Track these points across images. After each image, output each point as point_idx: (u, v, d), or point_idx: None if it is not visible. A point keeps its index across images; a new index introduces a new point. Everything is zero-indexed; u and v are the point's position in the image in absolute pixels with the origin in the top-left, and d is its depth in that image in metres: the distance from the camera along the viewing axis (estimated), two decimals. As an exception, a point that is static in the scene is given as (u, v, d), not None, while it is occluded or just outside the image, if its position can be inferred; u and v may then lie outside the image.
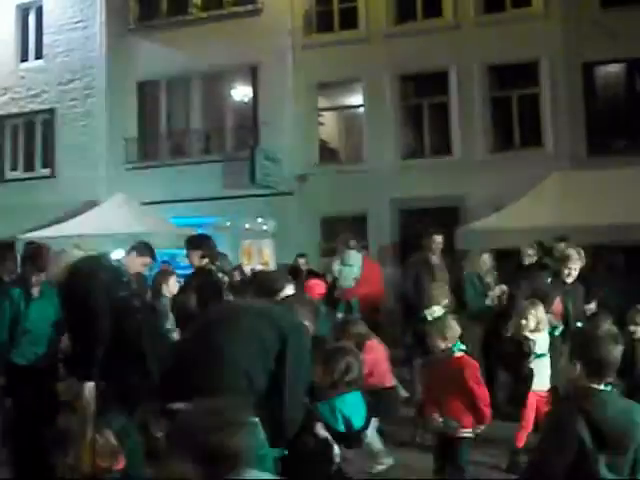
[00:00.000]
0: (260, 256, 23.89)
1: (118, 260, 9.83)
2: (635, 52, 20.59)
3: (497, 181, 20.36)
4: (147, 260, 9.65)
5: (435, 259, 13.79)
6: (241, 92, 25.31)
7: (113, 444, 6.94)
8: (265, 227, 24.69)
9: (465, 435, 7.96)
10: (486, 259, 13.66)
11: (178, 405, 5.21)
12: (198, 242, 10.80)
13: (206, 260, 10.37)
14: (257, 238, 24.68)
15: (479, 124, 22.00)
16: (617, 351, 4.87)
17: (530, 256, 13.25)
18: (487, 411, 7.93)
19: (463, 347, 8.26)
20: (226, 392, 5.19)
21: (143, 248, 9.66)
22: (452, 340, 8.22)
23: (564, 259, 11.01)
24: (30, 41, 28.15)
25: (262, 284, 7.49)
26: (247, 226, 24.86)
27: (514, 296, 12.20)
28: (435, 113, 22.99)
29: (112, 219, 20.51)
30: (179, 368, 5.93)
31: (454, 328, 8.35)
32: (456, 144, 22.28)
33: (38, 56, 27.80)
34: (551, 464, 4.66)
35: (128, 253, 9.69)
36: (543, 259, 13.07)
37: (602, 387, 4.79)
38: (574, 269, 10.82)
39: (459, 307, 12.47)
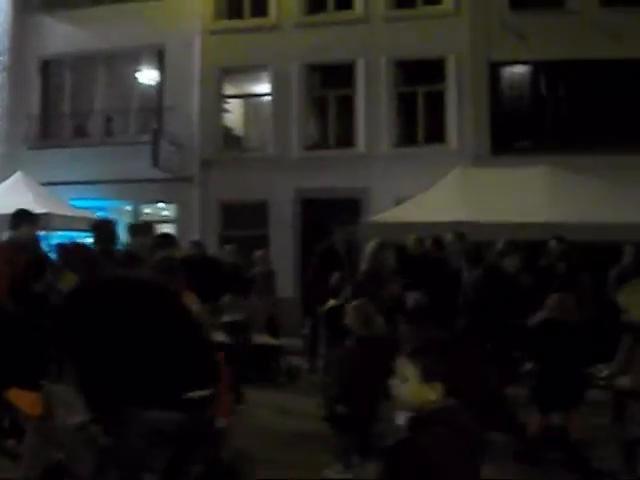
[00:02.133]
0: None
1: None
2: (541, 54, 20.93)
3: (400, 175, 20.52)
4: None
5: (340, 249, 13.76)
6: (147, 75, 24.97)
7: None
8: (166, 212, 24.44)
9: None
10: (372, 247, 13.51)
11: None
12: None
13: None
14: (158, 223, 24.38)
15: (384, 118, 22.08)
16: None
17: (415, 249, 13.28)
18: None
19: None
20: None
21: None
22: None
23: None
24: None
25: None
26: (148, 211, 24.59)
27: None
28: (341, 105, 22.99)
29: (10, 199, 20.05)
30: None
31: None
32: (361, 137, 22.30)
33: (-60, 31, 27.03)
34: None
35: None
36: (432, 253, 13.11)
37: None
38: None
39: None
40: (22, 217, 10.61)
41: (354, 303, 8.97)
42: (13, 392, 7.46)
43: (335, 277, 12.67)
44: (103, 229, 10.88)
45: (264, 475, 7.64)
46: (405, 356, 4.07)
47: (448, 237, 13.14)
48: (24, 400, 7.36)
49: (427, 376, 3.97)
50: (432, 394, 3.94)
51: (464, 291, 11.24)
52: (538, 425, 8.39)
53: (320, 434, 8.88)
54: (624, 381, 7.54)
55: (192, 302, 8.32)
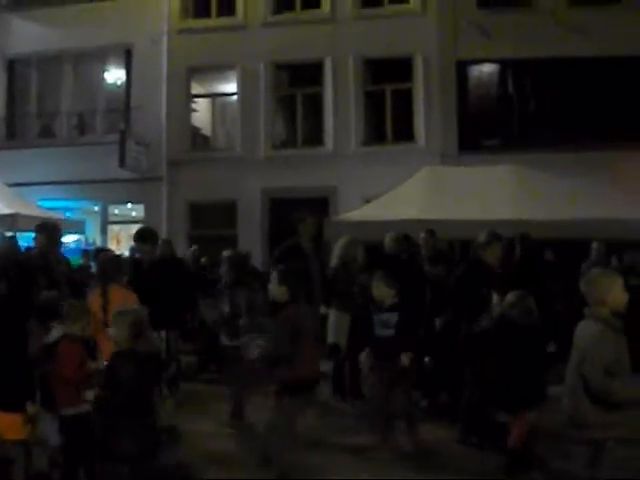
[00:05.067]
0: (129, 242, 23.50)
1: None
2: (508, 52, 20.99)
3: (368, 174, 20.59)
4: None
5: (307, 246, 13.63)
6: (114, 74, 24.87)
7: None
8: (134, 212, 24.36)
9: None
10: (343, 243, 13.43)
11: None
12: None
13: None
14: (126, 223, 24.29)
15: (352, 117, 22.11)
16: None
17: (391, 247, 13.24)
18: None
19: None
20: None
21: None
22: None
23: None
24: None
25: None
26: (116, 211, 24.49)
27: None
28: (309, 104, 23.02)
29: (-23, 200, 19.90)
30: None
31: None
32: (329, 136, 22.34)
33: None
34: None
35: None
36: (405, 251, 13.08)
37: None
38: None
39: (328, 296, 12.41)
40: None
41: None
42: None
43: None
44: (47, 231, 10.93)
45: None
46: None
47: (421, 235, 13.12)
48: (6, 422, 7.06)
49: None
50: None
51: (447, 287, 11.18)
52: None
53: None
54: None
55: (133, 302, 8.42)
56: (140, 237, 11.69)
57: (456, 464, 8.78)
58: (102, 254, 11.25)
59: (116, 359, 6.96)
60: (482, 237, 10.31)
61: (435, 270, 12.40)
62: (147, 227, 11.88)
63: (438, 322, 11.52)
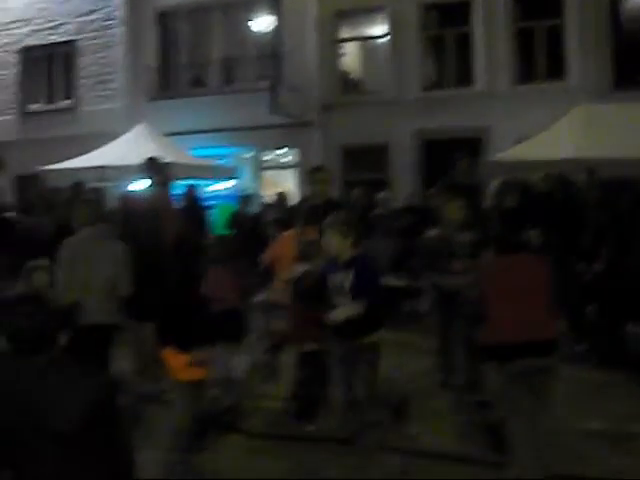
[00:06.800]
0: (283, 187, 23.79)
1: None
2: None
3: (520, 113, 20.29)
4: None
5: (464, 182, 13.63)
6: (263, 22, 25.08)
7: None
8: (286, 158, 24.63)
9: None
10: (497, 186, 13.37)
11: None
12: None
13: None
14: (279, 169, 24.62)
15: (502, 55, 21.77)
16: None
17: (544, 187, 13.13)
18: None
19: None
20: None
21: None
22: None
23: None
24: (49, -28, 27.89)
25: None
26: (268, 157, 24.82)
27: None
28: (459, 44, 22.68)
29: (134, 150, 20.39)
30: None
31: None
32: (479, 75, 22.08)
33: (58, -13, 27.57)
34: None
35: None
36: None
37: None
38: None
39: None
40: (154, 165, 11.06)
41: None
42: (168, 352, 7.60)
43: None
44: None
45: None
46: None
47: (580, 175, 12.95)
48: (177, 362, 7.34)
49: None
50: None
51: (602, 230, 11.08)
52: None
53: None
54: None
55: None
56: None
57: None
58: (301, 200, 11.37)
59: None
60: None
61: (598, 213, 12.18)
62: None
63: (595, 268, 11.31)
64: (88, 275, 8.35)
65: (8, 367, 3.90)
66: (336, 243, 7.38)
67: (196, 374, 6.93)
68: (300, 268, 8.26)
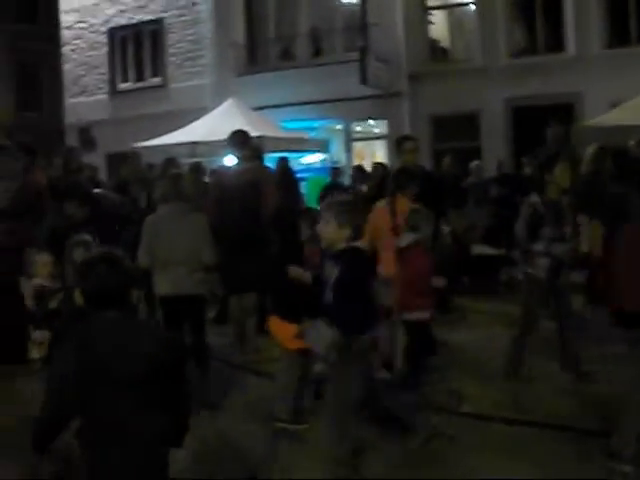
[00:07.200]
0: (373, 158, 23.76)
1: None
2: None
3: (613, 77, 19.87)
4: None
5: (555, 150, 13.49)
6: (350, -8, 24.99)
7: None
8: (376, 129, 24.61)
9: None
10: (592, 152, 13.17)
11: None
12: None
13: None
14: (369, 140, 24.64)
15: (594, 19, 21.36)
16: None
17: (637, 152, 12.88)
18: None
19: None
20: None
21: None
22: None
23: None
24: (136, -49, 28.24)
25: None
26: (358, 128, 24.83)
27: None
28: (548, 9, 22.29)
29: (225, 125, 20.53)
30: None
31: None
32: (570, 40, 21.74)
33: (143, -34, 27.92)
34: None
35: None
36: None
37: None
38: None
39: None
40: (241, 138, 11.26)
41: None
42: (275, 321, 7.74)
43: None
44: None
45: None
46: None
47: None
48: (285, 332, 7.50)
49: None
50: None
51: None
52: None
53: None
54: None
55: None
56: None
57: None
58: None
59: None
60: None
61: None
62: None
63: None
64: (171, 248, 8.52)
65: (83, 321, 4.34)
66: (331, 231, 6.29)
67: (303, 344, 6.98)
68: (409, 237, 8.26)
